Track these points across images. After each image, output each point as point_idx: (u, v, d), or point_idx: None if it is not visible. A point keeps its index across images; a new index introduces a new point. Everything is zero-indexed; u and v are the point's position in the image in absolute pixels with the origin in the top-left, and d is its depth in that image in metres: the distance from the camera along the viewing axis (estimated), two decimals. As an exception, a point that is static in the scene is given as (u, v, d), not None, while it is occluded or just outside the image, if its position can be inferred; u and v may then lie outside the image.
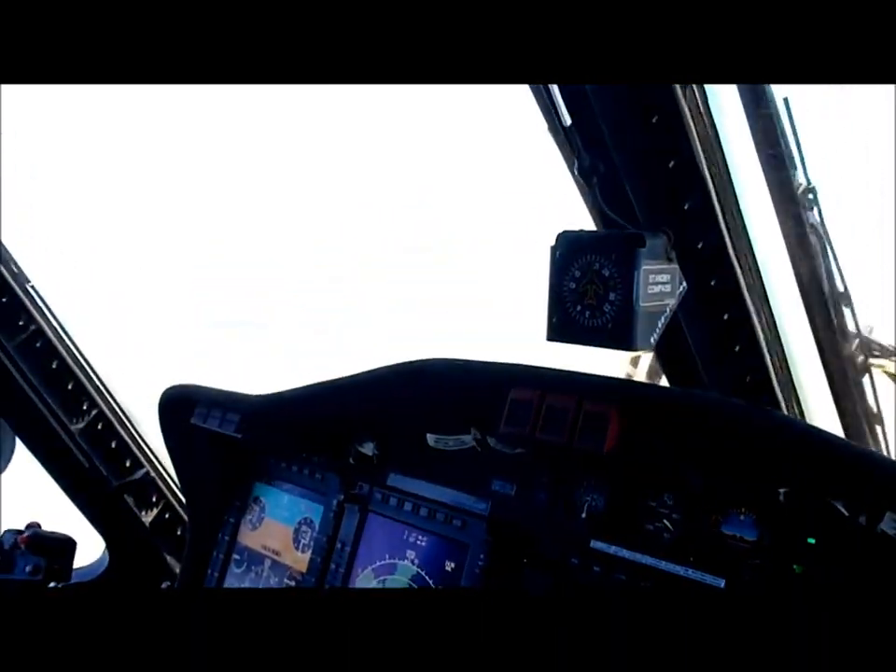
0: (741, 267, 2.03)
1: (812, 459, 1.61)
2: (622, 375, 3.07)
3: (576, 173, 1.88)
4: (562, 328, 1.86)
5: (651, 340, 1.81)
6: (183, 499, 3.24)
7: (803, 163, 1.99)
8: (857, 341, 2.17)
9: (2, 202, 3.13)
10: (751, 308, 2.08)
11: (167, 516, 3.36)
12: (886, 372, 2.27)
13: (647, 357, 2.98)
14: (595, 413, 1.78)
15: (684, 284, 1.88)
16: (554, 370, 1.93)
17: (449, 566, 2.38)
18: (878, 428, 2.26)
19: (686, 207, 1.95)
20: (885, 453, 2.31)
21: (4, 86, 2.39)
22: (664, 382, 2.34)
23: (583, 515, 2.20)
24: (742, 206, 1.98)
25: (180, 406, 2.84)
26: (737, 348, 2.14)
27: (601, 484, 2.18)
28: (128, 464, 3.20)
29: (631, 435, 1.78)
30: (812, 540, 1.87)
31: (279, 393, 2.58)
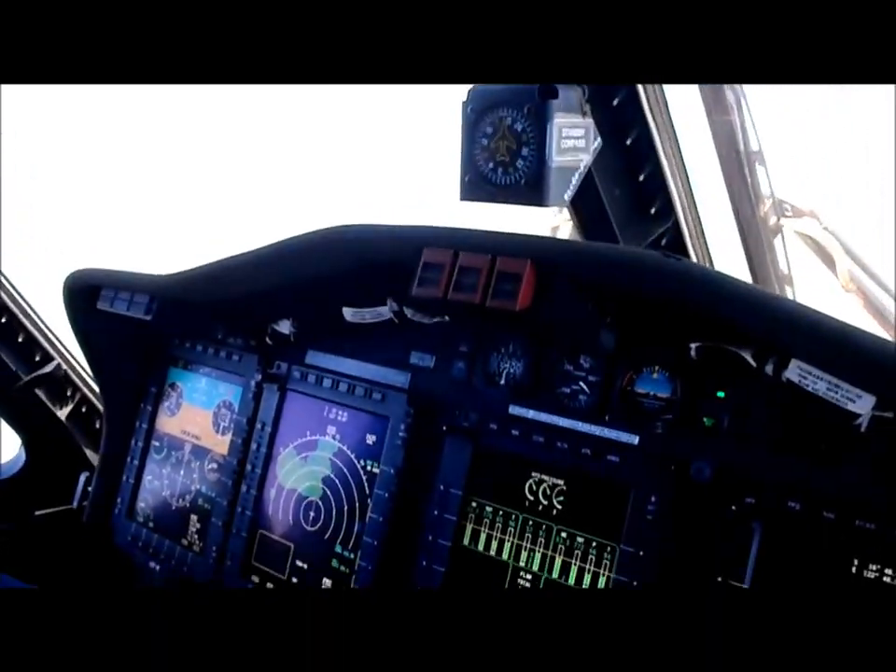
0: (657, 125, 2.00)
1: (721, 308, 1.62)
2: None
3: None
4: (474, 186, 1.81)
5: (565, 196, 1.77)
6: (98, 390, 3.15)
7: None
8: (770, 201, 2.18)
9: (2, 202, 3.10)
10: (666, 168, 2.05)
11: (83, 409, 3.27)
12: (797, 233, 2.30)
13: (568, 222, 2.94)
14: (508, 270, 1.75)
15: (599, 139, 1.84)
16: (469, 229, 1.88)
17: (370, 439, 2.37)
18: (789, 289, 2.30)
19: (601, 60, 1.88)
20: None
21: (4, 86, 2.40)
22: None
23: (502, 382, 2.20)
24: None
25: (85, 291, 2.70)
26: (652, 209, 2.12)
27: (519, 351, 2.18)
28: (38, 358, 3.08)
29: (546, 292, 1.76)
30: (722, 394, 1.91)
31: (189, 271, 2.48)
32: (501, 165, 1.77)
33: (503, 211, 1.80)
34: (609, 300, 1.83)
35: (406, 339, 2.38)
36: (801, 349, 1.64)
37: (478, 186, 1.81)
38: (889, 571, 1.67)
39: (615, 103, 1.94)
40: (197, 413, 2.81)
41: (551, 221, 2.51)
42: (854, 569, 1.70)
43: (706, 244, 2.23)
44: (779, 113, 2.24)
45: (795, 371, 1.71)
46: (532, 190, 1.73)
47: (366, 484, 2.36)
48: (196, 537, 2.70)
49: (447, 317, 2.18)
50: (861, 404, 1.66)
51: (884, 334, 1.71)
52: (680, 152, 2.06)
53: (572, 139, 1.77)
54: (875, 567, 1.68)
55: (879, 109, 2.07)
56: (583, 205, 2.08)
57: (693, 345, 1.87)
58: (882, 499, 1.70)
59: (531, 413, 2.16)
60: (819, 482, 1.77)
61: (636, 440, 2.01)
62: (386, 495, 2.28)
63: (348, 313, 2.40)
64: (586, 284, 1.77)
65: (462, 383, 2.27)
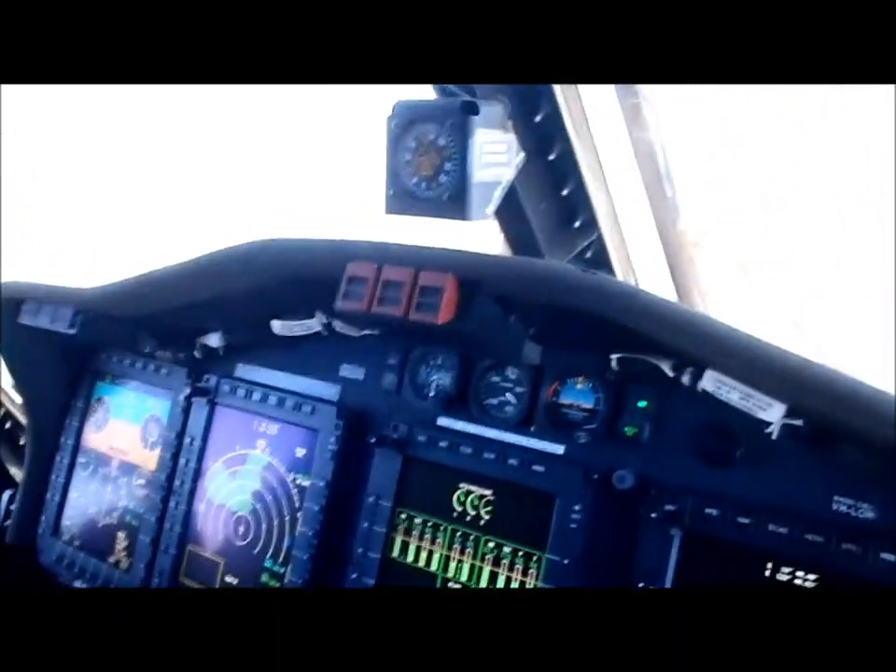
0: (579, 140, 2.04)
1: (635, 321, 1.66)
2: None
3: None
4: (398, 200, 1.83)
5: (487, 211, 1.80)
6: (22, 405, 3.07)
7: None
8: (689, 216, 2.24)
9: (2, 201, 3.07)
10: (589, 183, 2.10)
11: (6, 425, 3.19)
12: (718, 247, 2.36)
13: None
14: (430, 284, 1.77)
15: (521, 155, 1.87)
16: (393, 243, 1.90)
17: (300, 452, 2.36)
18: (709, 301, 2.37)
19: (523, 77, 1.92)
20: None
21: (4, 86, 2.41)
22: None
23: (431, 394, 2.22)
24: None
25: (7, 304, 2.64)
26: (577, 223, 2.17)
27: (448, 363, 2.20)
28: (-42, 373, 3.00)
29: (469, 306, 1.78)
30: (643, 404, 1.96)
31: (114, 283, 2.44)
32: (425, 180, 1.79)
33: (453, 226, 1.81)
34: (531, 312, 1.86)
35: (336, 351, 2.38)
36: (714, 360, 1.69)
37: (402, 200, 1.82)
38: (800, 574, 1.72)
39: (538, 119, 1.98)
40: (125, 428, 2.76)
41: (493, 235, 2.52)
42: (768, 573, 1.75)
43: (629, 256, 2.28)
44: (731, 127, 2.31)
45: (710, 380, 1.76)
46: (455, 205, 1.76)
47: (296, 498, 2.35)
48: (123, 554, 2.65)
49: (376, 330, 2.19)
50: (773, 412, 1.72)
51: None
52: (602, 168, 2.10)
53: (494, 154, 1.80)
54: (787, 571, 1.74)
55: (879, 110, 2.11)
56: (509, 219, 2.11)
57: (614, 357, 1.92)
58: (793, 504, 1.76)
59: (459, 425, 2.18)
60: (734, 488, 1.83)
61: (561, 449, 2.04)
62: (316, 508, 2.27)
63: (277, 326, 2.39)
64: (507, 297, 1.80)
65: (392, 395, 2.28)
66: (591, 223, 2.17)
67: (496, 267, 1.79)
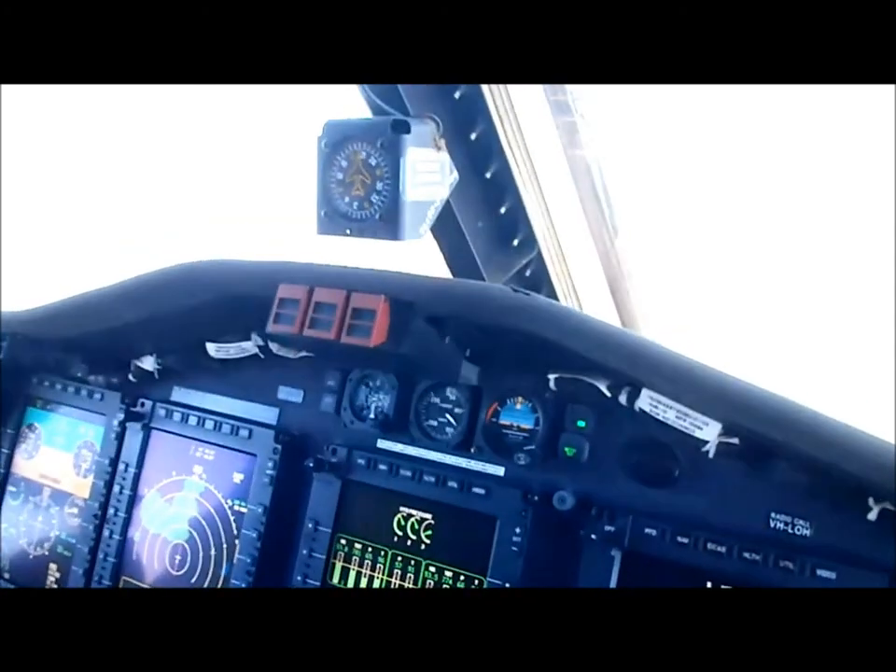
0: (515, 159, 2.02)
1: (567, 341, 1.65)
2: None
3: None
4: (330, 220, 1.79)
5: (421, 230, 1.77)
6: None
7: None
8: (627, 232, 2.24)
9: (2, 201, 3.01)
10: (527, 201, 2.09)
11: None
12: (653, 262, 2.37)
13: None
14: (362, 306, 1.73)
15: (455, 174, 1.85)
16: (325, 265, 1.86)
17: (238, 477, 2.30)
18: (647, 315, 2.37)
19: (456, 95, 1.90)
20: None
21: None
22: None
23: (371, 416, 2.18)
24: (513, 97, 1.95)
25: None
26: (515, 241, 2.15)
27: (387, 384, 2.16)
28: None
29: (403, 327, 1.75)
30: (582, 423, 1.94)
31: (44, 307, 2.36)
32: (357, 200, 1.76)
33: (398, 246, 1.78)
34: (466, 333, 1.84)
35: (274, 373, 2.33)
36: (648, 380, 1.68)
37: (334, 220, 1.78)
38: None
39: (473, 136, 1.96)
40: (57, 456, 2.67)
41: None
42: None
43: (569, 273, 2.27)
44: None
45: (646, 400, 1.76)
46: (387, 225, 1.72)
47: (234, 525, 2.28)
48: (55, 587, 2.55)
49: (311, 353, 2.14)
50: (708, 431, 1.71)
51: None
52: (539, 185, 2.09)
53: (427, 173, 1.77)
54: (726, 588, 1.73)
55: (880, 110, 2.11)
56: (448, 239, 2.09)
57: (551, 377, 1.90)
58: (731, 522, 1.76)
59: (399, 447, 2.14)
60: (673, 507, 1.82)
61: (501, 471, 2.02)
62: (254, 535, 2.21)
63: (212, 348, 2.33)
64: (440, 318, 1.77)
65: (331, 417, 2.24)
66: (530, 241, 2.16)
67: (428, 288, 1.76)
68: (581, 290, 2.31)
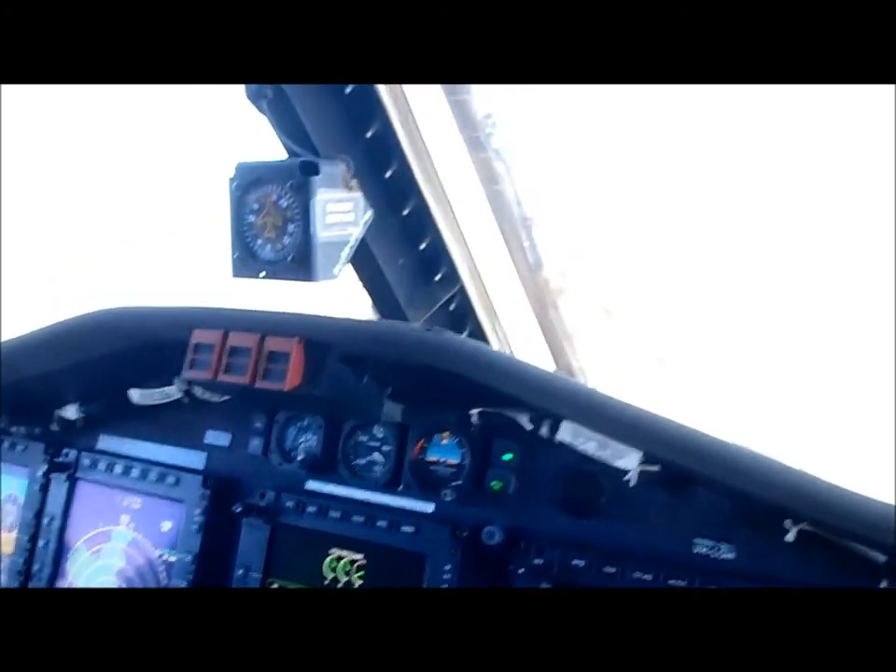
0: (432, 195, 2.03)
1: (480, 377, 1.65)
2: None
3: (249, 97, 1.76)
4: (244, 263, 1.78)
5: (334, 271, 1.76)
6: None
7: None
8: (550, 263, 2.26)
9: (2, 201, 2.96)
10: (446, 236, 2.09)
11: None
12: (582, 292, 2.39)
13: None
14: (277, 349, 1.72)
15: (370, 212, 1.85)
16: (239, 309, 1.84)
17: (166, 526, 2.25)
18: (575, 345, 2.39)
19: (368, 135, 1.91)
20: (579, 368, 2.45)
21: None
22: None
23: (299, 458, 2.15)
24: (424, 134, 1.96)
25: None
26: (437, 276, 2.16)
27: (314, 425, 2.14)
28: None
29: (319, 369, 1.74)
30: (508, 457, 1.94)
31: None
32: (269, 242, 1.75)
33: (321, 288, 1.76)
34: (383, 372, 1.83)
35: (200, 418, 2.29)
36: (564, 413, 1.69)
37: (247, 263, 1.77)
38: (666, 620, 1.72)
39: (387, 175, 1.96)
40: (-21, 511, 2.58)
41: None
42: (636, 621, 1.74)
43: (493, 306, 2.28)
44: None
45: (567, 432, 1.76)
46: (300, 266, 1.71)
47: (163, 575, 2.23)
48: (-19, 647, 2.46)
49: (233, 396, 2.11)
50: (629, 460, 1.72)
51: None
52: (457, 220, 2.10)
53: (339, 213, 1.77)
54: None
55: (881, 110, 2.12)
56: (368, 277, 2.08)
57: (474, 412, 1.90)
58: (657, 549, 1.76)
59: (328, 487, 2.12)
60: (600, 537, 1.82)
61: (430, 508, 2.00)
62: (184, 584, 2.16)
63: (135, 395, 2.29)
64: (355, 358, 1.77)
65: (259, 460, 2.20)
66: (452, 276, 2.16)
67: (342, 329, 1.75)
68: (507, 322, 2.32)
